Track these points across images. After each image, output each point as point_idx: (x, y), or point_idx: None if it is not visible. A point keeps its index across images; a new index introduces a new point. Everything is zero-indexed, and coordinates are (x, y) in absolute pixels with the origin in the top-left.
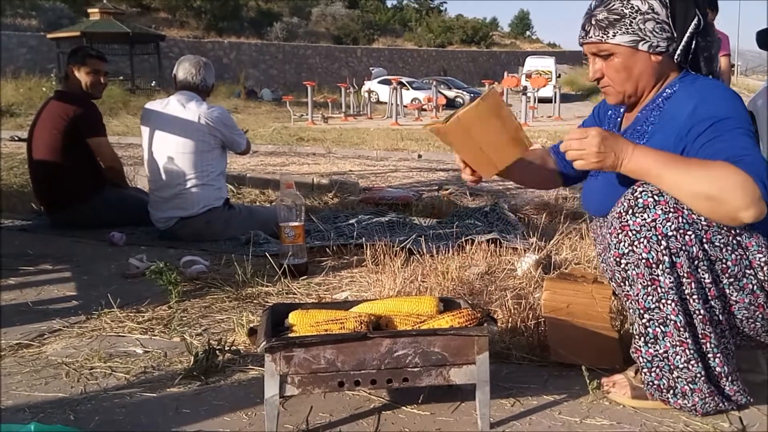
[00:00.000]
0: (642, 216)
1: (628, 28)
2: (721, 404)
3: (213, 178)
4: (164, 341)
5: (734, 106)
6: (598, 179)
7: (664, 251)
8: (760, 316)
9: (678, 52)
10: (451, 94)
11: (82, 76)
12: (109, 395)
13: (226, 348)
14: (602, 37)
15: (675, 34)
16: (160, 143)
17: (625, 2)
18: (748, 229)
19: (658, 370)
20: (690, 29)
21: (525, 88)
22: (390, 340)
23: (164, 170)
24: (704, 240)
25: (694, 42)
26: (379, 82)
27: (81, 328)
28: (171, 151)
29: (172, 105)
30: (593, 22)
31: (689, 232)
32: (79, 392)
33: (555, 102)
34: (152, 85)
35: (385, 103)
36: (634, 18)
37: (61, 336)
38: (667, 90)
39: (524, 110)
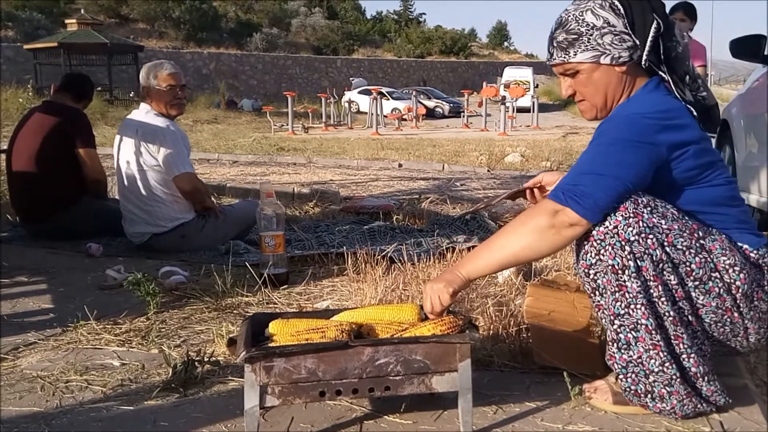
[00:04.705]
0: (604, 224)
1: (587, 45)
2: (699, 405)
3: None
4: (142, 353)
5: (633, 120)
6: None
7: (628, 256)
8: (729, 320)
9: (644, 57)
10: (430, 104)
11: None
12: (85, 409)
13: (206, 359)
14: (564, 57)
15: (637, 42)
16: (125, 155)
17: (580, 21)
18: (712, 232)
19: (633, 375)
20: (651, 33)
21: (504, 97)
22: (371, 348)
23: (130, 184)
24: (666, 243)
25: (661, 45)
26: (360, 93)
27: (57, 341)
28: (134, 163)
29: (133, 114)
30: (555, 45)
31: (650, 236)
32: (55, 406)
33: (533, 111)
34: (131, 95)
35: (366, 113)
36: (591, 35)
37: (36, 349)
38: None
39: (503, 119)
